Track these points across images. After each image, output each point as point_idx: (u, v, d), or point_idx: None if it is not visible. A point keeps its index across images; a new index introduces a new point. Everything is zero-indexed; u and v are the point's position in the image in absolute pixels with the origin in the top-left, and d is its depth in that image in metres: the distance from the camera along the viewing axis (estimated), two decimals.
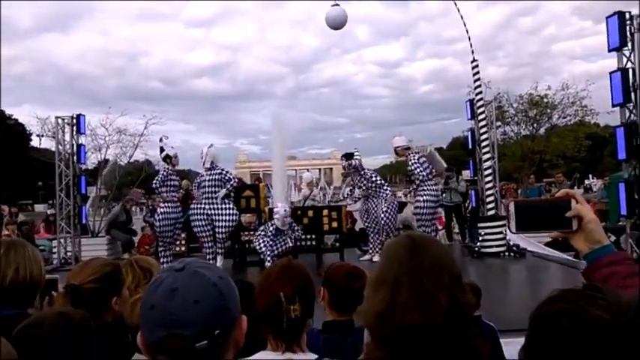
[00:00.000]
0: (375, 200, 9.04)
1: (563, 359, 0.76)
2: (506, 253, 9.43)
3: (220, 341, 0.96)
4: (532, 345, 0.83)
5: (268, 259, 8.30)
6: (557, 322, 0.78)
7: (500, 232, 9.49)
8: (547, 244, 9.52)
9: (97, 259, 2.04)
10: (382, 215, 8.85)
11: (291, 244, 8.40)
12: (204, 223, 8.45)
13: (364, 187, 9.21)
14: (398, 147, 9.06)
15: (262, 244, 8.13)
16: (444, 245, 1.24)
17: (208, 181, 8.40)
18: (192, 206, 8.80)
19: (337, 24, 10.21)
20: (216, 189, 8.36)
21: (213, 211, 8.38)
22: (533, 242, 9.88)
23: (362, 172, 9.20)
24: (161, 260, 8.17)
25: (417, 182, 8.89)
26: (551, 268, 8.37)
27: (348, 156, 9.27)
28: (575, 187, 13.39)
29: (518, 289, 7.60)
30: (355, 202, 9.98)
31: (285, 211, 8.20)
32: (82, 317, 1.45)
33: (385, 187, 9.16)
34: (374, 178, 9.27)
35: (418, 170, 8.75)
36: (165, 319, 0.93)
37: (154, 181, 8.61)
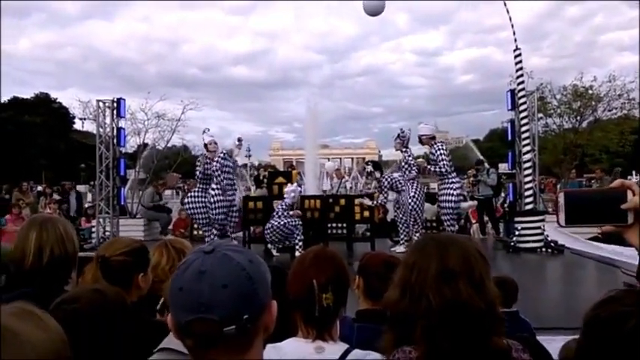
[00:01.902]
0: (404, 187, 8.95)
1: None
2: (544, 249, 9.16)
3: (249, 326, 0.93)
4: (588, 347, 0.78)
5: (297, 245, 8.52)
6: (617, 324, 0.73)
7: (538, 227, 9.22)
8: (592, 239, 9.21)
9: (125, 237, 2.08)
10: (410, 200, 8.74)
11: (299, 227, 8.59)
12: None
13: (389, 181, 9.21)
14: (423, 135, 8.89)
15: (272, 227, 8.46)
16: (468, 244, 1.28)
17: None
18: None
19: (375, 11, 10.03)
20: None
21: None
22: (575, 237, 9.57)
23: (404, 149, 9.13)
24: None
25: (441, 173, 8.66)
26: (589, 265, 8.10)
27: (375, 165, 9.68)
28: None
29: (554, 286, 7.38)
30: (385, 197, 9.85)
31: (293, 187, 8.73)
32: (118, 295, 1.47)
33: (414, 168, 9.02)
34: (410, 159, 9.16)
35: (444, 162, 8.55)
36: (192, 302, 0.92)
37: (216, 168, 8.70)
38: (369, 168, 9.72)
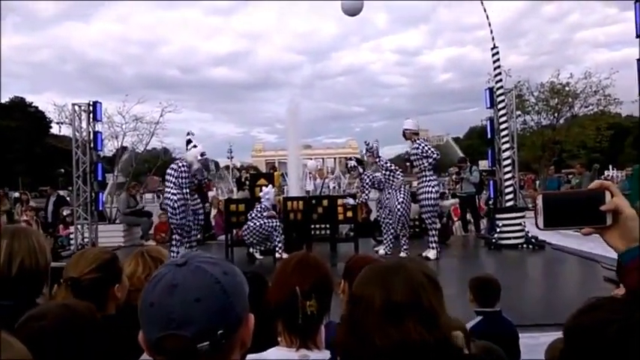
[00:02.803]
0: (390, 191, 8.93)
1: None
2: (525, 245, 9.28)
3: (224, 342, 0.89)
4: (571, 356, 0.76)
5: (277, 247, 8.52)
6: (599, 332, 0.71)
7: (519, 224, 9.33)
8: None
9: (91, 248, 2.02)
10: (398, 206, 8.73)
11: (278, 228, 8.56)
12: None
13: (371, 180, 9.15)
14: (407, 129, 8.85)
15: (248, 228, 8.43)
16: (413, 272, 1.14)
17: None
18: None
19: (353, 10, 10.04)
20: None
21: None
22: (556, 233, 9.70)
23: (377, 159, 9.15)
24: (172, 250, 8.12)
25: (424, 168, 8.63)
26: (570, 261, 8.21)
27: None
28: (596, 178, 13.08)
29: (536, 282, 7.46)
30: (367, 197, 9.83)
31: (269, 189, 8.71)
32: (87, 309, 1.41)
33: (398, 173, 9.04)
34: (388, 165, 9.18)
35: (431, 151, 8.54)
36: (164, 317, 0.87)
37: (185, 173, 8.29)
38: (352, 162, 9.70)
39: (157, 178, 16.48)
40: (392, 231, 9.09)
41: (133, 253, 2.20)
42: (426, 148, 8.59)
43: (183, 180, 8.10)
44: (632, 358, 0.71)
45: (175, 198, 8.12)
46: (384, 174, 9.00)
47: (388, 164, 9.22)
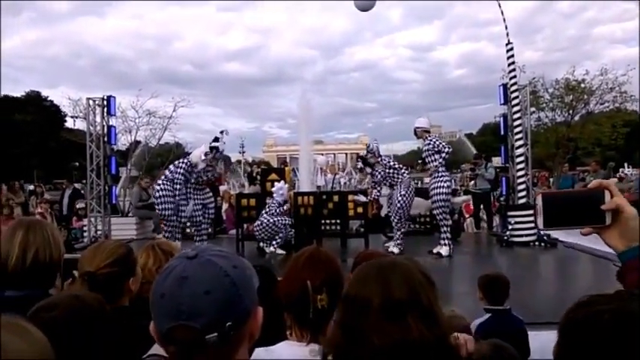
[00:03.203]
0: (395, 187, 8.93)
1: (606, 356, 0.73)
2: (537, 243, 9.20)
3: (232, 334, 0.90)
4: (566, 352, 0.77)
5: (274, 243, 8.69)
6: (595, 323, 0.74)
7: (531, 221, 9.24)
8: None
9: (106, 241, 2.04)
10: (399, 198, 8.71)
11: (288, 226, 8.70)
12: None
13: (383, 175, 9.08)
14: (418, 128, 8.79)
15: (261, 224, 8.52)
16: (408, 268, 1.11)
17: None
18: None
19: (366, 6, 10.00)
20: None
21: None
22: (567, 231, 9.60)
23: (378, 159, 9.12)
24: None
25: (437, 165, 8.52)
26: (582, 259, 8.11)
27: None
28: (611, 176, 12.93)
29: (547, 280, 7.39)
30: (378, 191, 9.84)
31: (281, 184, 8.81)
32: (97, 301, 1.43)
33: (403, 171, 9.00)
34: (391, 163, 9.17)
35: (442, 145, 8.51)
36: (174, 309, 0.89)
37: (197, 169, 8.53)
38: (359, 164, 9.72)
39: None
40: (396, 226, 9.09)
41: (144, 246, 2.23)
42: (437, 142, 8.56)
43: (177, 175, 8.29)
44: (626, 345, 0.71)
45: (158, 188, 8.41)
46: (388, 172, 8.99)
47: (391, 163, 9.21)
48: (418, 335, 0.98)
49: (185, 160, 8.48)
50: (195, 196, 8.70)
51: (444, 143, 8.66)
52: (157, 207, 8.50)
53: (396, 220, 8.79)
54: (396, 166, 9.12)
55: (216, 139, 8.65)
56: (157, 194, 8.37)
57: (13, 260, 1.73)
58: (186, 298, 0.89)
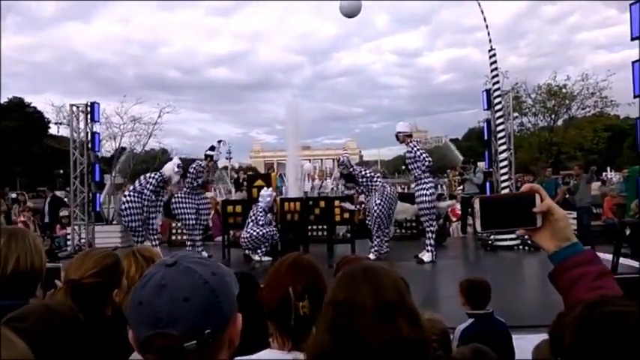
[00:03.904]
0: (370, 195, 8.96)
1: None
2: (521, 247, 9.31)
3: (211, 341, 0.91)
4: (582, 349, 0.78)
5: (259, 251, 8.64)
6: (618, 322, 0.76)
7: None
8: None
9: (94, 249, 2.01)
10: (375, 208, 8.73)
11: (275, 236, 8.65)
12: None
13: (356, 185, 9.20)
14: (400, 132, 8.70)
15: (250, 237, 8.46)
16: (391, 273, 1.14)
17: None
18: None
19: (351, 12, 10.07)
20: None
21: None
22: None
23: (350, 169, 9.19)
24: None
25: (419, 172, 8.53)
26: None
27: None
28: (593, 180, 13.13)
29: (530, 283, 7.49)
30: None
31: (269, 192, 8.83)
32: (70, 310, 1.41)
33: (376, 179, 9.02)
34: (363, 172, 9.22)
35: (424, 156, 8.45)
36: (152, 316, 0.89)
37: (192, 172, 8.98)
38: (341, 184, 9.73)
39: None
40: (375, 233, 9.06)
41: (125, 252, 2.20)
42: (418, 153, 8.47)
43: (146, 189, 8.54)
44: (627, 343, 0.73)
45: (124, 200, 8.71)
46: (362, 182, 9.05)
47: (363, 172, 9.28)
48: (407, 334, 1.02)
49: (156, 175, 8.76)
50: (190, 200, 8.90)
51: (424, 154, 8.56)
52: (123, 218, 8.77)
53: (375, 229, 8.82)
54: (368, 174, 9.19)
55: (212, 148, 9.03)
56: (123, 206, 8.63)
57: None
58: (164, 305, 0.88)
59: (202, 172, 9.07)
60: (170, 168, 8.69)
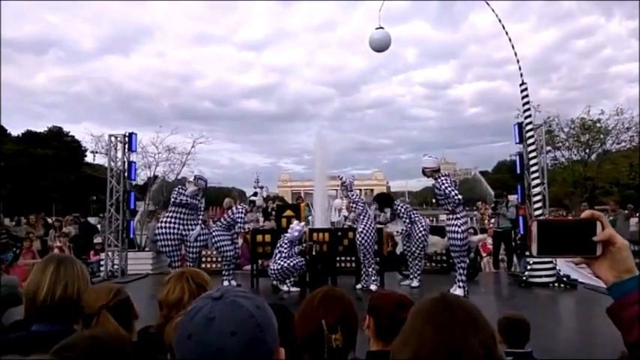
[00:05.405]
0: (359, 222, 9.03)
1: None
2: (556, 284, 8.99)
3: None
4: None
5: (288, 282, 8.66)
6: None
7: (550, 262, 9.06)
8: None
9: (100, 284, 2.09)
10: (358, 237, 8.79)
11: (304, 267, 8.58)
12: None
13: (353, 210, 9.29)
14: (427, 168, 8.37)
15: (281, 268, 8.40)
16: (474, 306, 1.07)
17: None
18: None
19: (381, 46, 10.25)
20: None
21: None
22: (585, 273, 9.37)
23: (349, 193, 9.33)
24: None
25: (452, 207, 8.20)
26: (604, 301, 7.79)
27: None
28: (632, 216, 12.69)
29: (569, 322, 7.20)
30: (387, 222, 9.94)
31: (300, 226, 8.78)
32: (119, 342, 1.44)
33: (365, 212, 8.97)
34: (356, 199, 9.25)
35: (453, 193, 8.01)
36: (200, 349, 0.91)
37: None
38: (375, 208, 9.66)
39: None
40: (418, 263, 9.06)
41: (174, 276, 2.07)
42: (447, 190, 8.05)
43: (173, 204, 9.09)
44: None
45: (159, 225, 9.30)
46: (350, 206, 9.29)
47: (356, 198, 9.33)
48: None
49: (178, 188, 9.40)
50: (228, 235, 9.33)
51: (454, 191, 8.09)
52: (158, 243, 9.40)
53: (361, 257, 8.88)
54: (357, 199, 9.25)
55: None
56: (158, 230, 9.17)
57: (42, 294, 1.78)
58: (213, 339, 0.90)
59: (244, 216, 9.41)
60: (187, 180, 9.51)
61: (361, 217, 8.90)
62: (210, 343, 0.90)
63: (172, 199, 9.09)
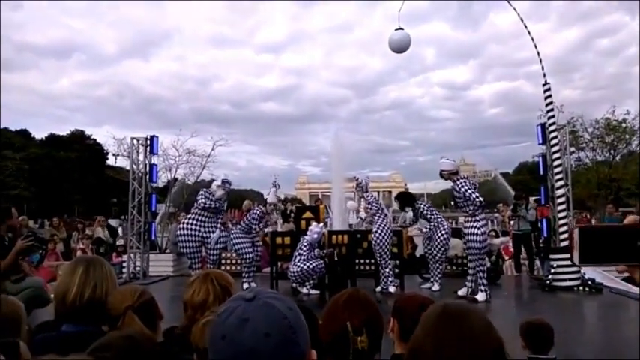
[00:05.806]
0: (375, 223, 8.97)
1: None
2: (581, 288, 8.81)
3: None
4: None
5: (307, 284, 8.70)
6: None
7: (575, 265, 8.87)
8: (625, 279, 8.78)
9: (125, 285, 2.12)
10: (373, 237, 8.73)
11: (324, 269, 8.50)
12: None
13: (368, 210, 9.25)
14: (444, 171, 8.25)
15: (301, 270, 8.36)
16: (482, 315, 1.08)
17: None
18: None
19: (400, 48, 10.21)
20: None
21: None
22: (611, 277, 9.16)
23: (364, 194, 9.30)
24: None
25: (472, 210, 8.06)
26: (630, 305, 7.67)
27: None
28: None
29: (594, 327, 7.03)
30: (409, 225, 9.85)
31: (319, 228, 8.71)
32: (148, 341, 1.47)
33: (380, 213, 8.87)
34: (370, 200, 9.21)
35: (474, 196, 7.88)
36: (234, 350, 0.91)
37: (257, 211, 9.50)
38: (395, 205, 9.68)
39: None
40: (440, 266, 8.98)
41: (199, 277, 2.08)
42: (467, 193, 7.92)
43: (198, 207, 9.25)
44: None
45: (180, 226, 9.56)
46: (365, 208, 9.23)
47: (371, 199, 9.26)
48: None
49: (203, 191, 9.48)
50: (246, 237, 9.41)
51: (474, 194, 7.95)
52: (178, 245, 9.57)
53: (378, 258, 8.79)
54: (372, 200, 9.19)
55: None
56: (179, 232, 9.34)
57: (71, 294, 1.82)
58: (247, 340, 0.90)
59: (263, 217, 9.52)
60: (215, 184, 9.48)
61: (376, 217, 8.85)
62: (243, 343, 0.91)
63: (199, 203, 9.14)
